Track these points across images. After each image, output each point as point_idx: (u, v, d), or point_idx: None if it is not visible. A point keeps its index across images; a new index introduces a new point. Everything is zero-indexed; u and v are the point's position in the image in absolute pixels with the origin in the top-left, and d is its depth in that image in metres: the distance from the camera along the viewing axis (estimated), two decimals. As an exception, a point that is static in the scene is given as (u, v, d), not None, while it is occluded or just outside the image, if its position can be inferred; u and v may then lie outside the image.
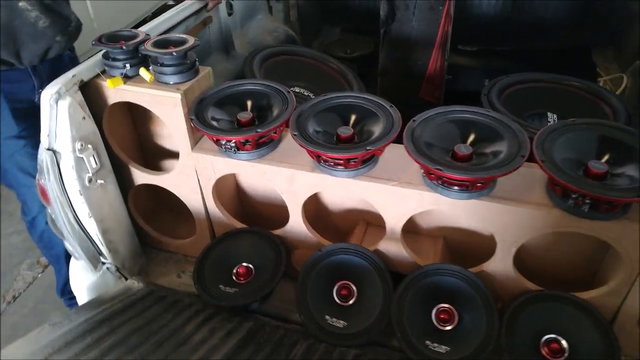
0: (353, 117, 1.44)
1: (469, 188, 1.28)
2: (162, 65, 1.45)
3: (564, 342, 1.37)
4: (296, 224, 1.60)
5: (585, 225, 1.25)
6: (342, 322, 1.49)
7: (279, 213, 1.76)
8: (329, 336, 1.46)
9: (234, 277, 1.61)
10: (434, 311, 1.46)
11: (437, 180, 1.30)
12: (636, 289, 1.33)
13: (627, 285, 1.34)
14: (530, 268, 1.51)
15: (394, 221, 1.46)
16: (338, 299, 1.53)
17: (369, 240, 1.65)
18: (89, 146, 1.46)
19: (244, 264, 1.62)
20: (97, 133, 1.51)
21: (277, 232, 1.66)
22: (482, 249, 1.60)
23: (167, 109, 1.47)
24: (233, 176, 1.77)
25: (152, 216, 1.91)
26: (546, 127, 1.30)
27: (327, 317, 1.50)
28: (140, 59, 1.51)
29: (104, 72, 1.52)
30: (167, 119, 1.51)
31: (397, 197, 1.40)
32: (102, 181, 1.53)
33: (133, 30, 1.56)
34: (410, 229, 1.69)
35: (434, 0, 1.86)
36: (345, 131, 1.40)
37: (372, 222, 1.71)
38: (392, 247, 1.53)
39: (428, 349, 1.41)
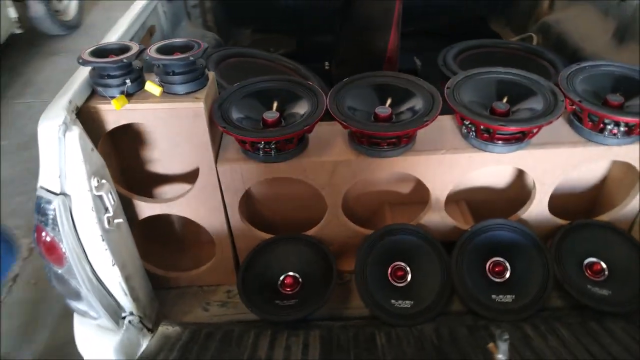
0: (387, 97, 1.43)
1: (517, 140, 1.36)
2: (173, 74, 1.28)
3: (602, 263, 1.52)
4: (334, 218, 1.54)
5: (614, 152, 1.40)
6: (408, 302, 1.47)
7: (294, 215, 1.68)
8: (403, 319, 1.44)
9: (282, 290, 1.50)
10: (487, 267, 1.52)
11: (491, 138, 1.35)
12: (649, 201, 1.54)
13: (637, 199, 1.53)
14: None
15: (439, 191, 1.49)
16: (395, 281, 1.51)
17: (401, 219, 1.65)
18: (104, 181, 1.24)
19: (290, 273, 1.52)
20: (105, 165, 1.28)
21: (310, 232, 1.58)
22: (500, 202, 1.71)
23: (186, 122, 1.31)
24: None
25: (148, 253, 1.68)
26: (562, 72, 1.43)
27: (393, 301, 1.47)
28: (138, 73, 1.32)
29: (96, 92, 1.30)
30: (185, 134, 1.34)
31: (445, 166, 1.42)
32: (121, 220, 1.31)
33: (119, 42, 1.35)
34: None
35: (389, -21, 1.91)
36: (383, 110, 1.38)
37: (396, 201, 1.71)
38: (436, 218, 1.55)
39: (496, 302, 1.47)
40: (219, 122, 1.31)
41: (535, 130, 1.32)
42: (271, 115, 1.38)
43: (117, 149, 1.54)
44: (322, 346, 1.37)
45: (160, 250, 1.76)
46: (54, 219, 1.19)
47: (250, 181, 1.43)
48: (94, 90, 1.31)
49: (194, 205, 1.48)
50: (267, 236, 1.58)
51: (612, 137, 1.36)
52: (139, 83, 1.32)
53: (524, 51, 2.20)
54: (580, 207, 1.73)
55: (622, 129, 1.32)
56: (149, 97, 1.30)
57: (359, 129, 1.28)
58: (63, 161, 1.15)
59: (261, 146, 1.32)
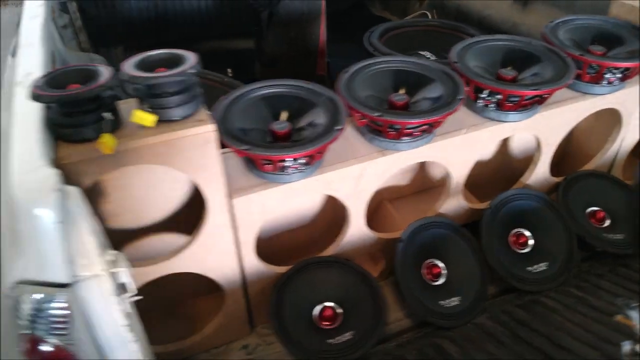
0: (402, 85, 1.30)
1: (533, 106, 1.33)
2: (167, 95, 0.99)
3: (603, 211, 1.57)
4: (357, 230, 1.36)
5: (607, 101, 1.46)
6: (455, 298, 1.37)
7: (297, 239, 1.48)
8: (458, 317, 1.33)
9: (323, 326, 1.29)
10: (511, 241, 1.49)
11: (515, 107, 1.30)
12: (625, 145, 1.64)
13: (619, 143, 1.62)
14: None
15: (459, 173, 1.40)
16: (432, 280, 1.40)
17: (407, 213, 1.53)
18: (117, 253, 0.91)
19: (326, 304, 1.30)
20: (104, 231, 0.94)
21: (328, 252, 1.38)
22: (486, 173, 1.69)
23: (193, 152, 1.02)
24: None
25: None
26: (544, 32, 1.44)
27: (441, 302, 1.36)
28: (113, 102, 1.00)
29: (60, 138, 0.96)
30: (191, 167, 1.05)
31: (467, 146, 1.34)
32: (139, 297, 0.98)
33: (78, 65, 1.00)
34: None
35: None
36: (400, 98, 1.25)
37: (392, 196, 1.59)
38: (454, 203, 1.47)
39: (533, 273, 1.44)
40: (233, 144, 1.05)
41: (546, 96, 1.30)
42: (281, 126, 1.16)
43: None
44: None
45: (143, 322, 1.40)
46: (62, 322, 0.83)
47: (271, 209, 1.18)
48: (56, 135, 0.96)
49: (201, 254, 1.19)
50: (282, 270, 1.34)
51: (607, 86, 1.40)
52: (117, 116, 1.00)
53: (442, 27, 2.22)
54: (553, 162, 1.79)
55: (618, 75, 1.37)
56: (137, 130, 0.99)
57: (395, 120, 1.13)
58: (66, 240, 0.81)
59: (290, 164, 1.09)
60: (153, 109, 0.99)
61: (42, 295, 0.81)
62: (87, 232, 0.82)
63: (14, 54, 1.55)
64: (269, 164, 1.10)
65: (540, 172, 1.54)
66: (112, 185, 1.11)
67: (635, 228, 1.50)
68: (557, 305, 1.34)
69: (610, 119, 1.58)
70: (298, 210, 1.46)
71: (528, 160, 1.58)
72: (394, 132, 1.19)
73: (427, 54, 2.17)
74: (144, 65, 1.01)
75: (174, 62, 1.02)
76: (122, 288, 0.92)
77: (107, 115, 0.96)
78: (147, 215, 1.25)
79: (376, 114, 1.14)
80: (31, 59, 1.20)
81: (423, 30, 2.20)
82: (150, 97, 0.99)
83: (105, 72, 0.96)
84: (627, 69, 1.36)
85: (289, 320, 1.26)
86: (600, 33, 1.48)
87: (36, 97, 0.89)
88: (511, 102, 1.28)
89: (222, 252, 1.20)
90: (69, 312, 0.82)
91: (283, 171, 1.11)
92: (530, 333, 1.25)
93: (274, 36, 1.90)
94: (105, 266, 0.85)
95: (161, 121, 1.01)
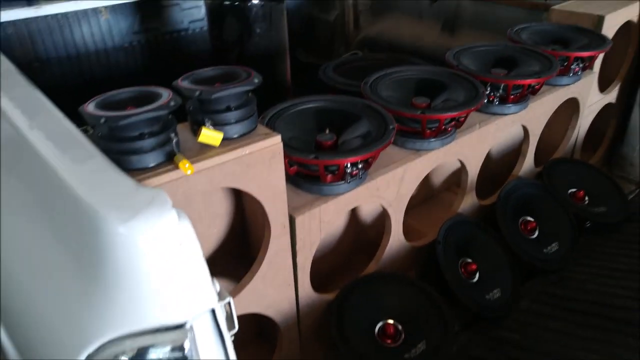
0: (421, 91, 1.34)
1: (526, 97, 1.45)
2: (229, 110, 0.92)
3: (582, 190, 1.73)
4: (395, 239, 1.34)
5: (571, 90, 1.63)
6: (496, 290, 1.39)
7: (326, 265, 1.42)
8: (505, 308, 1.35)
9: (387, 343, 1.22)
10: (520, 229, 1.56)
11: (516, 99, 1.40)
12: (582, 130, 1.84)
13: (577, 130, 1.82)
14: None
15: (474, 169, 1.46)
16: (469, 277, 1.41)
17: (425, 220, 1.55)
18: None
19: (389, 321, 1.24)
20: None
21: (370, 269, 1.34)
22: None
23: (261, 169, 0.95)
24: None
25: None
26: (509, 33, 1.60)
27: (486, 295, 1.37)
28: (173, 122, 0.91)
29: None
30: (257, 185, 0.97)
31: (480, 140, 1.41)
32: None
33: (129, 88, 0.90)
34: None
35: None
36: (422, 100, 1.29)
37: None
38: (469, 201, 1.51)
39: (550, 254, 1.52)
40: (299, 155, 1.00)
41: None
42: (327, 137, 1.13)
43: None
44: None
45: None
46: None
47: (327, 225, 1.12)
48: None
49: (262, 289, 1.08)
50: (331, 297, 1.26)
51: (572, 77, 1.58)
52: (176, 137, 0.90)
53: (390, 60, 2.36)
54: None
55: (581, 66, 1.55)
56: (201, 150, 0.90)
57: (436, 115, 1.16)
58: (184, 267, 0.69)
59: (350, 170, 1.06)
60: (215, 127, 0.91)
61: (151, 344, 0.68)
62: (200, 258, 0.71)
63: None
64: (332, 173, 1.05)
65: (528, 162, 1.66)
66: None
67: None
68: (584, 276, 1.42)
69: (566, 112, 1.76)
70: (332, 233, 1.40)
71: (504, 158, 1.70)
72: (428, 131, 1.22)
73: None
74: (198, 82, 0.94)
75: (228, 77, 0.96)
76: (229, 322, 0.80)
77: (173, 136, 0.86)
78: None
79: (418, 112, 1.16)
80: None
81: (372, 63, 2.31)
82: (212, 113, 0.91)
83: (163, 92, 0.87)
84: (589, 58, 1.55)
85: (354, 344, 1.17)
86: (552, 35, 1.68)
87: (103, 121, 0.78)
88: (514, 93, 1.38)
89: (282, 282, 1.10)
90: (186, 356, 0.69)
91: (342, 179, 1.07)
92: (577, 303, 1.31)
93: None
94: (217, 297, 0.74)
95: (224, 139, 0.93)
